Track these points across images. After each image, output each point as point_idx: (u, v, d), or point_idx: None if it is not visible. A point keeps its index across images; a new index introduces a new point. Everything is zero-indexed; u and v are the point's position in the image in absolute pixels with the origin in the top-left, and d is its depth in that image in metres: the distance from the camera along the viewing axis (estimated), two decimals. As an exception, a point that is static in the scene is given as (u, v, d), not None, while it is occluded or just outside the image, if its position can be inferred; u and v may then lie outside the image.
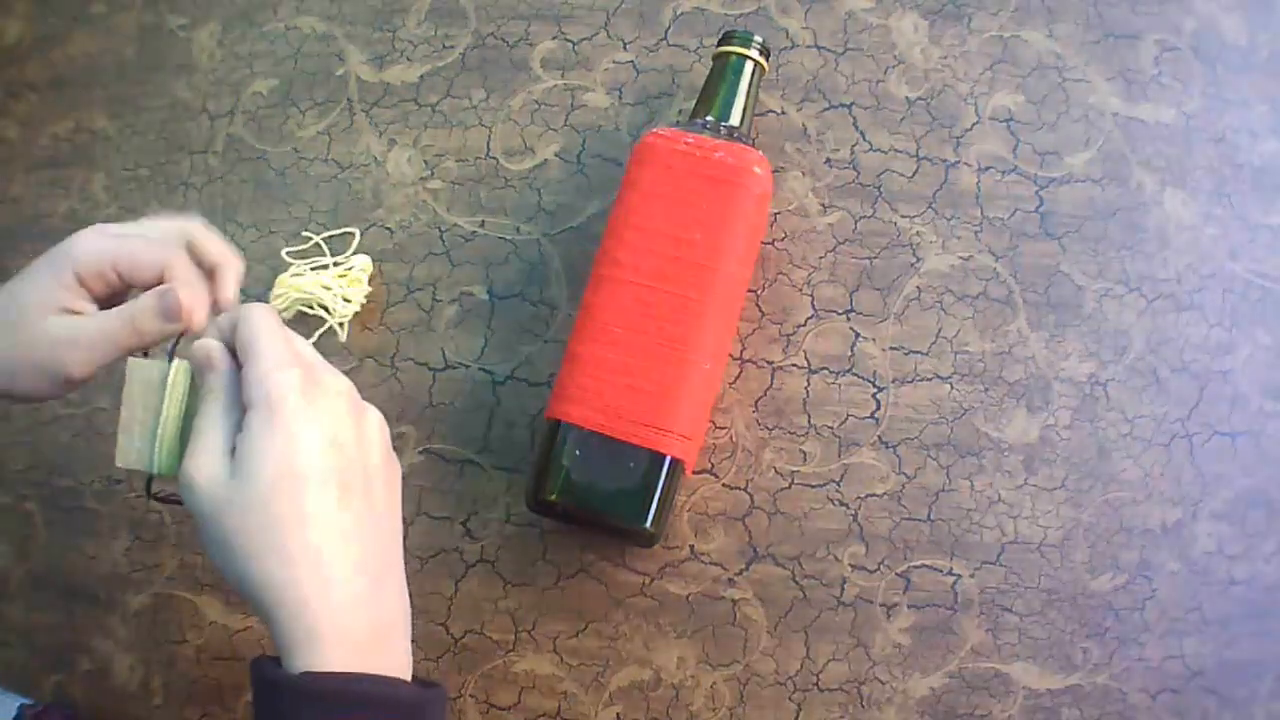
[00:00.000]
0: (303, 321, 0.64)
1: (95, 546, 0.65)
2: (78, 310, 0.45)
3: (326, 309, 0.63)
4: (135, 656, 0.64)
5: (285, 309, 0.64)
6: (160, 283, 0.45)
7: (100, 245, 0.44)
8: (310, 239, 0.65)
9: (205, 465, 0.39)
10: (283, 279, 0.64)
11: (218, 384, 0.41)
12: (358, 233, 0.63)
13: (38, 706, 0.63)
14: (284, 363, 0.40)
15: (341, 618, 0.39)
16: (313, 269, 0.64)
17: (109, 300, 0.46)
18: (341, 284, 0.63)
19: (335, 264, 0.64)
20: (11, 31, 0.74)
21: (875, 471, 0.59)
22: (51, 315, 0.44)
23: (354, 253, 0.65)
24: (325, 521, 0.39)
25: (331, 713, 0.37)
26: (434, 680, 0.44)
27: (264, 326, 0.41)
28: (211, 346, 0.42)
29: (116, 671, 0.64)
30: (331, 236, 0.65)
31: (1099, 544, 0.58)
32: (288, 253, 0.65)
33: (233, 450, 0.40)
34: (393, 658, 0.41)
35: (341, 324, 0.63)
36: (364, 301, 0.64)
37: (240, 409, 0.40)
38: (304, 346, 0.43)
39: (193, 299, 0.44)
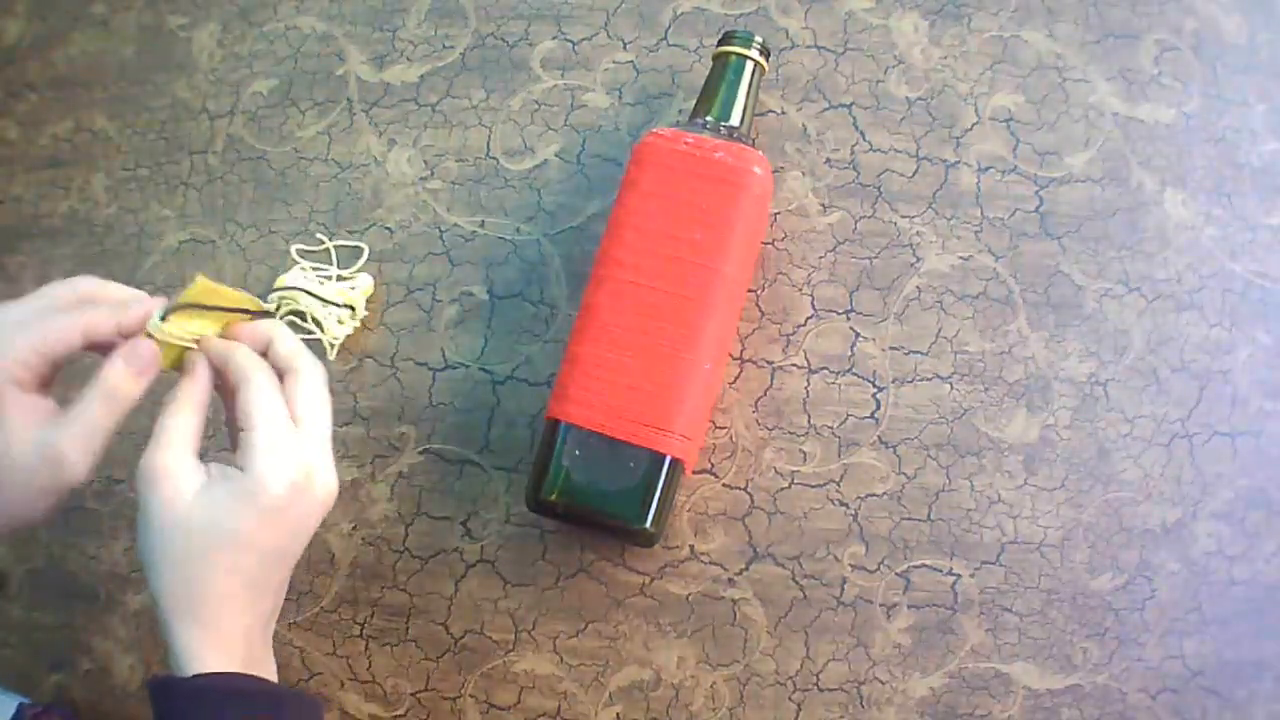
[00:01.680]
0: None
1: (95, 546, 0.65)
2: (34, 405, 0.42)
3: (319, 325, 0.63)
4: (135, 656, 0.64)
5: (278, 311, 0.63)
6: (83, 346, 0.44)
7: (17, 342, 0.42)
8: (322, 243, 0.65)
9: (176, 466, 0.42)
10: (283, 280, 0.64)
11: (193, 391, 0.44)
12: (367, 248, 0.62)
13: (37, 706, 0.63)
14: (286, 459, 0.43)
15: (239, 637, 0.43)
16: (317, 274, 0.64)
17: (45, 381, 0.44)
18: (339, 303, 0.63)
19: (340, 277, 0.64)
20: (11, 31, 0.74)
21: (875, 471, 0.59)
22: (21, 440, 0.41)
23: (360, 269, 0.64)
24: (256, 578, 0.43)
25: (225, 707, 0.41)
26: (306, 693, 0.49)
27: (267, 397, 0.44)
28: (193, 358, 0.44)
29: (116, 671, 0.64)
30: (342, 246, 0.65)
31: (1099, 544, 0.58)
32: (298, 250, 0.65)
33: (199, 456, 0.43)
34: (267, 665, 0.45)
35: (331, 345, 0.63)
36: (357, 325, 0.63)
37: (202, 414, 0.44)
38: (325, 417, 0.46)
39: (147, 349, 0.44)
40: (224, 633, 0.42)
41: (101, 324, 0.44)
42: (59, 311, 0.44)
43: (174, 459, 0.42)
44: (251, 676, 0.43)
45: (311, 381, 0.45)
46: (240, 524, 0.42)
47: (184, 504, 0.41)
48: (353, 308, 0.63)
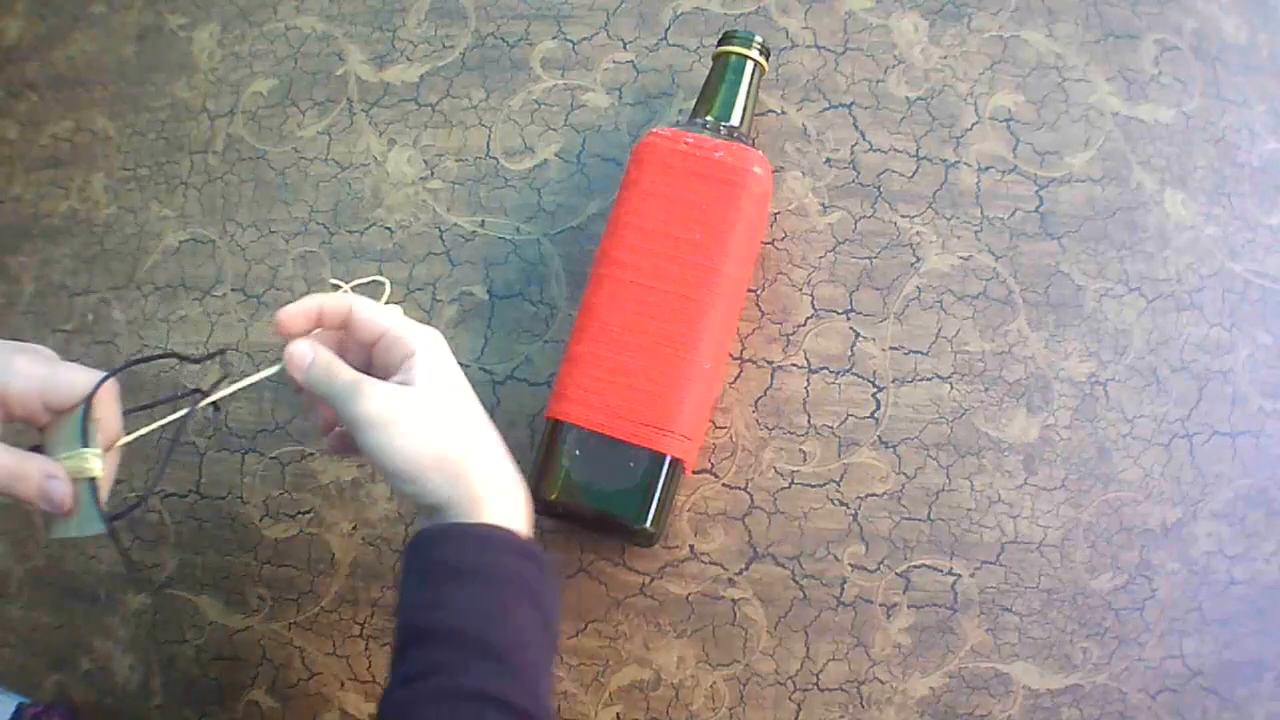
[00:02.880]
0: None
1: (95, 546, 0.65)
2: None
3: None
4: (135, 656, 0.64)
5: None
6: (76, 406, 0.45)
7: (36, 370, 0.44)
8: (338, 285, 0.64)
9: (381, 387, 0.47)
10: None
11: (343, 362, 0.49)
12: (388, 284, 0.61)
13: (37, 706, 0.63)
14: (431, 333, 0.50)
15: (511, 491, 0.49)
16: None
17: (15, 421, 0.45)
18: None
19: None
20: (11, 31, 0.75)
21: (875, 471, 0.59)
22: None
23: (387, 299, 0.63)
24: (491, 427, 0.50)
25: (491, 549, 0.46)
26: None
27: (396, 322, 0.50)
28: (320, 350, 0.49)
29: (116, 671, 0.64)
30: (359, 284, 0.64)
31: (1099, 544, 0.58)
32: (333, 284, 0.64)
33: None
34: (527, 525, 0.49)
35: None
36: None
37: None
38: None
39: (67, 495, 0.44)
40: (510, 473, 0.49)
41: (106, 402, 0.46)
42: (83, 371, 0.46)
43: (376, 386, 0.47)
44: (523, 537, 0.48)
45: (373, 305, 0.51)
46: (449, 375, 0.49)
47: (402, 395, 0.47)
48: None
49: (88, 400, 0.44)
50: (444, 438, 0.47)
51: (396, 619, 0.47)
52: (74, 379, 0.45)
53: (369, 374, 0.48)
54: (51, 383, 0.44)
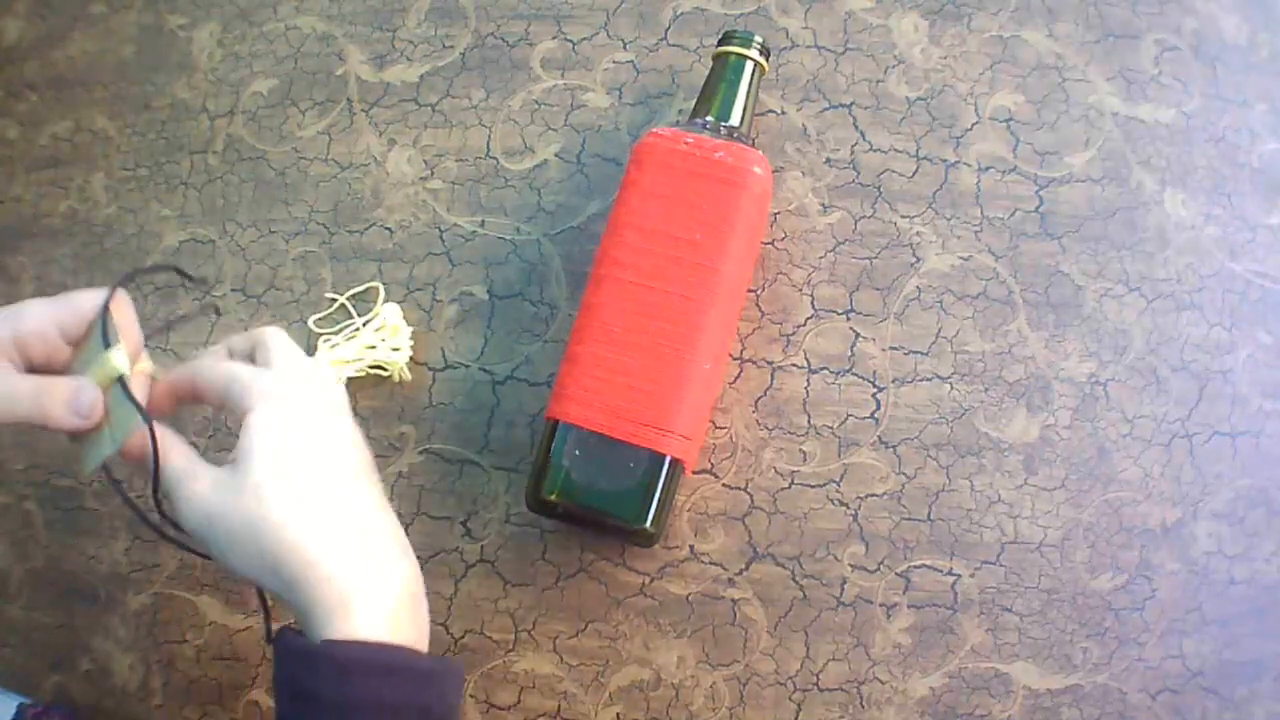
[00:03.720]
0: (365, 386, 0.64)
1: (95, 546, 0.65)
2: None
3: (382, 366, 0.62)
4: (135, 656, 0.64)
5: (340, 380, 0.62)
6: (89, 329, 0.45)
7: (44, 305, 0.44)
8: (334, 300, 0.64)
9: (201, 474, 0.42)
10: (323, 357, 0.62)
11: (177, 440, 0.44)
12: (381, 287, 0.61)
13: (37, 706, 0.63)
14: (296, 361, 0.44)
15: (373, 584, 0.41)
16: (346, 337, 0.62)
17: (44, 364, 0.45)
18: (383, 337, 0.62)
19: (365, 324, 0.63)
20: (11, 31, 0.74)
21: (875, 471, 0.59)
22: None
23: (383, 303, 0.63)
24: (355, 492, 0.43)
25: (352, 680, 0.39)
26: (450, 659, 0.45)
27: (280, 340, 0.45)
28: (161, 432, 0.44)
29: (116, 671, 0.64)
30: (355, 294, 0.64)
31: (1099, 544, 0.58)
32: (315, 320, 0.64)
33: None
34: (415, 629, 0.42)
35: (401, 375, 0.62)
36: (411, 343, 0.62)
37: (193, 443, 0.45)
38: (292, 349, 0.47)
39: (97, 401, 0.43)
40: (365, 570, 0.41)
41: (121, 307, 0.45)
42: (91, 290, 0.45)
43: (195, 472, 0.42)
44: (385, 647, 0.40)
45: (270, 334, 0.47)
46: (272, 444, 0.42)
47: (216, 483, 0.42)
48: (397, 324, 0.62)
49: (105, 305, 0.44)
50: (281, 539, 0.40)
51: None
52: (82, 298, 0.44)
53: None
54: (64, 307, 0.43)
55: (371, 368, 0.62)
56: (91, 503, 0.66)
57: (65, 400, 0.43)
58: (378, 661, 0.40)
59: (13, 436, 0.68)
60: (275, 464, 0.41)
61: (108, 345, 0.43)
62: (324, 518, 0.41)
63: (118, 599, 0.64)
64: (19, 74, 0.74)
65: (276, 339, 0.46)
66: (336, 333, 0.63)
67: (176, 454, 0.43)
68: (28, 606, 0.66)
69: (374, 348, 0.62)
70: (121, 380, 0.44)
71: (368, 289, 0.62)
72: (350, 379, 0.62)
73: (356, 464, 0.44)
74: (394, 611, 0.41)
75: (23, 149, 0.72)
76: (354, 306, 0.64)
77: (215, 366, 0.44)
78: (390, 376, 0.62)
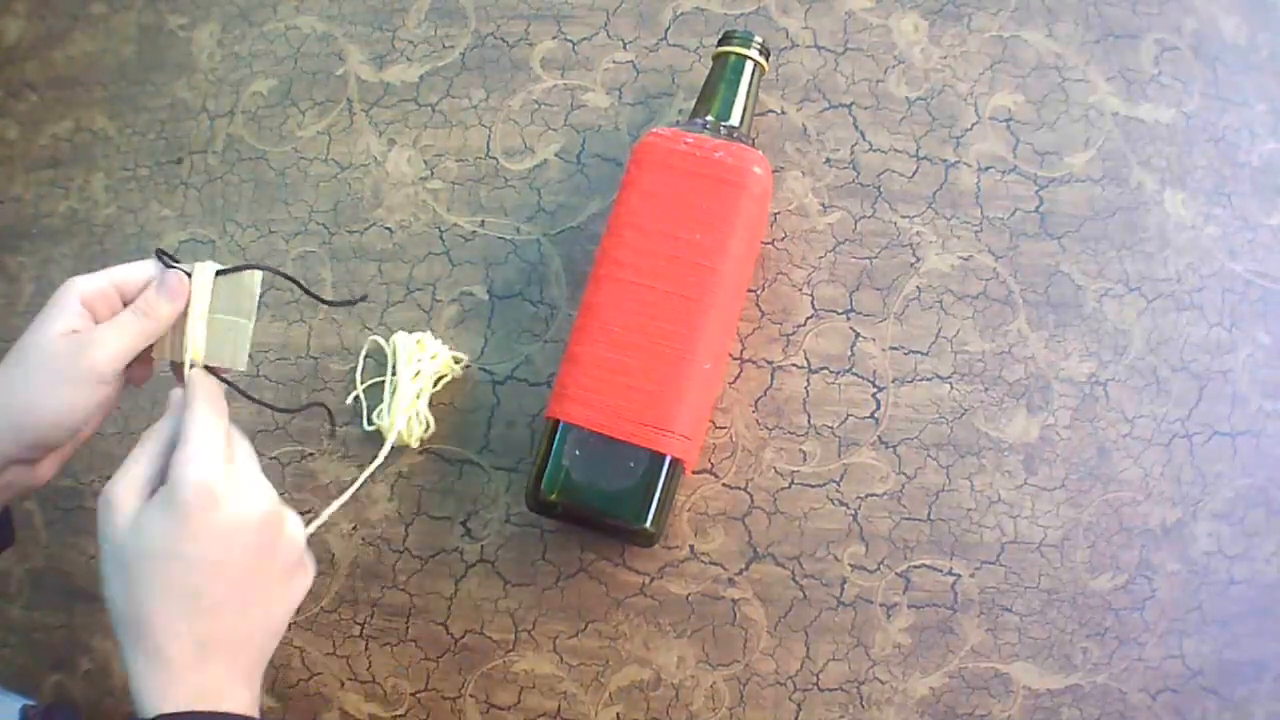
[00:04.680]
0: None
1: (95, 546, 0.65)
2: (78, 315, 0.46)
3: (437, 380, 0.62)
4: (135, 656, 0.64)
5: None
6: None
7: (97, 274, 0.47)
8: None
9: (124, 494, 0.42)
10: (405, 398, 0.61)
11: (164, 426, 0.44)
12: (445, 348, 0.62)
13: (40, 706, 0.63)
14: (206, 462, 0.42)
15: (187, 664, 0.41)
16: (415, 371, 0.61)
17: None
18: (435, 364, 0.62)
19: (434, 356, 0.62)
20: (11, 31, 0.74)
21: (875, 471, 0.59)
22: (59, 331, 0.45)
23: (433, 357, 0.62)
24: (193, 593, 0.42)
25: None
26: None
27: (203, 418, 0.44)
28: (174, 395, 0.46)
29: (116, 671, 0.64)
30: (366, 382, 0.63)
31: (1099, 544, 0.58)
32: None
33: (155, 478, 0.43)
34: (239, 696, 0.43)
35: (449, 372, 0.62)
36: (454, 357, 0.62)
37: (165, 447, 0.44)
38: (240, 444, 0.45)
39: (180, 273, 0.46)
40: (168, 656, 0.41)
41: (168, 275, 0.47)
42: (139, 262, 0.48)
43: (122, 487, 0.42)
44: (208, 714, 0.41)
45: (198, 400, 0.46)
46: (163, 535, 0.41)
47: (122, 527, 0.42)
48: (436, 352, 0.62)
49: (161, 255, 0.47)
50: (144, 594, 0.41)
51: None
52: (132, 267, 0.47)
53: None
54: (115, 275, 0.46)
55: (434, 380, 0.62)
56: (91, 503, 0.66)
57: (157, 293, 0.46)
58: None
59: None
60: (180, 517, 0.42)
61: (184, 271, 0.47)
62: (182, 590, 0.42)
63: (118, 599, 0.64)
64: (19, 74, 0.74)
65: (199, 416, 0.45)
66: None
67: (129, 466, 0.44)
68: (28, 606, 0.66)
69: (426, 371, 0.62)
70: (220, 273, 0.47)
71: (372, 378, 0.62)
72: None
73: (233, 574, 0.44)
74: (241, 677, 0.43)
75: (23, 149, 0.72)
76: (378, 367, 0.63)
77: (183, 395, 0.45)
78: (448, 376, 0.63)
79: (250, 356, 0.47)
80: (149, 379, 0.49)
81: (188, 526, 0.41)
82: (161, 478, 0.43)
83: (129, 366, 0.46)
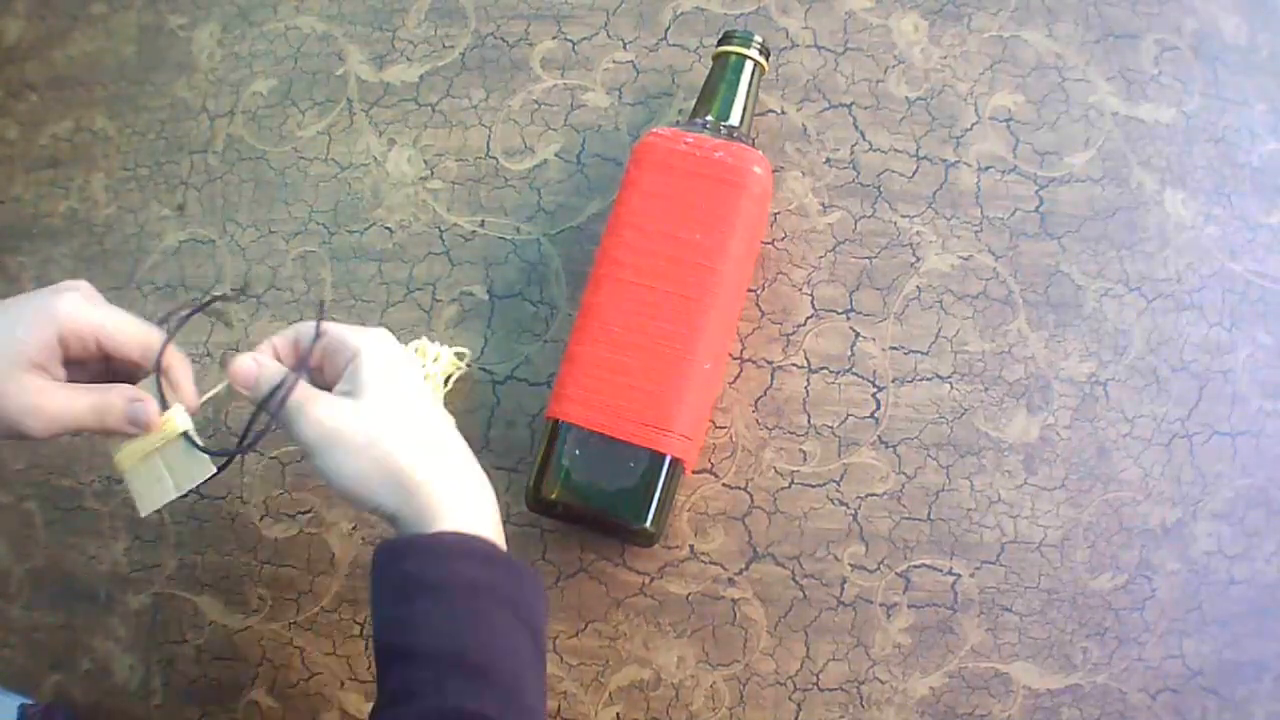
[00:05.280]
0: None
1: (95, 546, 0.65)
2: (48, 371, 0.45)
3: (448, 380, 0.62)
4: (135, 656, 0.64)
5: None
6: (136, 363, 0.47)
7: (90, 315, 0.45)
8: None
9: (327, 401, 0.46)
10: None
11: (293, 376, 0.47)
12: (468, 353, 0.62)
13: (38, 706, 0.63)
14: (375, 332, 0.48)
15: (471, 500, 0.47)
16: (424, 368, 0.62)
17: (78, 361, 0.46)
18: (439, 366, 0.62)
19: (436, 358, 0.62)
20: (11, 31, 0.74)
21: (875, 471, 0.59)
22: (22, 373, 0.44)
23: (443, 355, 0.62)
24: (448, 425, 0.48)
25: (453, 560, 0.44)
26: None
27: (336, 326, 0.49)
28: (267, 362, 0.48)
29: (116, 671, 0.64)
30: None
31: (1099, 544, 0.58)
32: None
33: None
34: (496, 532, 0.47)
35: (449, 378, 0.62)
36: (456, 353, 0.62)
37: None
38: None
39: (154, 412, 0.46)
40: (474, 479, 0.47)
41: (172, 361, 0.48)
42: (138, 322, 0.47)
43: (322, 399, 0.46)
44: (485, 543, 0.45)
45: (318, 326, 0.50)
46: (384, 403, 0.46)
47: (341, 412, 0.45)
48: (440, 354, 0.62)
49: (157, 368, 0.46)
50: (392, 451, 0.45)
51: (374, 635, 0.45)
52: (126, 329, 0.46)
53: (322, 386, 0.47)
54: (104, 330, 0.46)
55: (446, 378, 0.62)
56: (91, 503, 0.66)
57: (122, 412, 0.46)
58: (475, 547, 0.45)
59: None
60: (390, 393, 0.46)
61: (165, 406, 0.47)
62: (431, 444, 0.47)
63: (118, 599, 0.64)
64: (19, 74, 0.74)
65: (333, 326, 0.49)
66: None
67: (297, 385, 0.46)
68: (28, 606, 0.66)
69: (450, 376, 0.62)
70: (186, 435, 0.47)
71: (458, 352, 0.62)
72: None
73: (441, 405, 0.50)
74: (491, 524, 0.47)
75: (23, 149, 0.72)
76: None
77: (311, 324, 0.49)
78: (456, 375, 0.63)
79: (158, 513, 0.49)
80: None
81: (397, 391, 0.47)
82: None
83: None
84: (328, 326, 0.48)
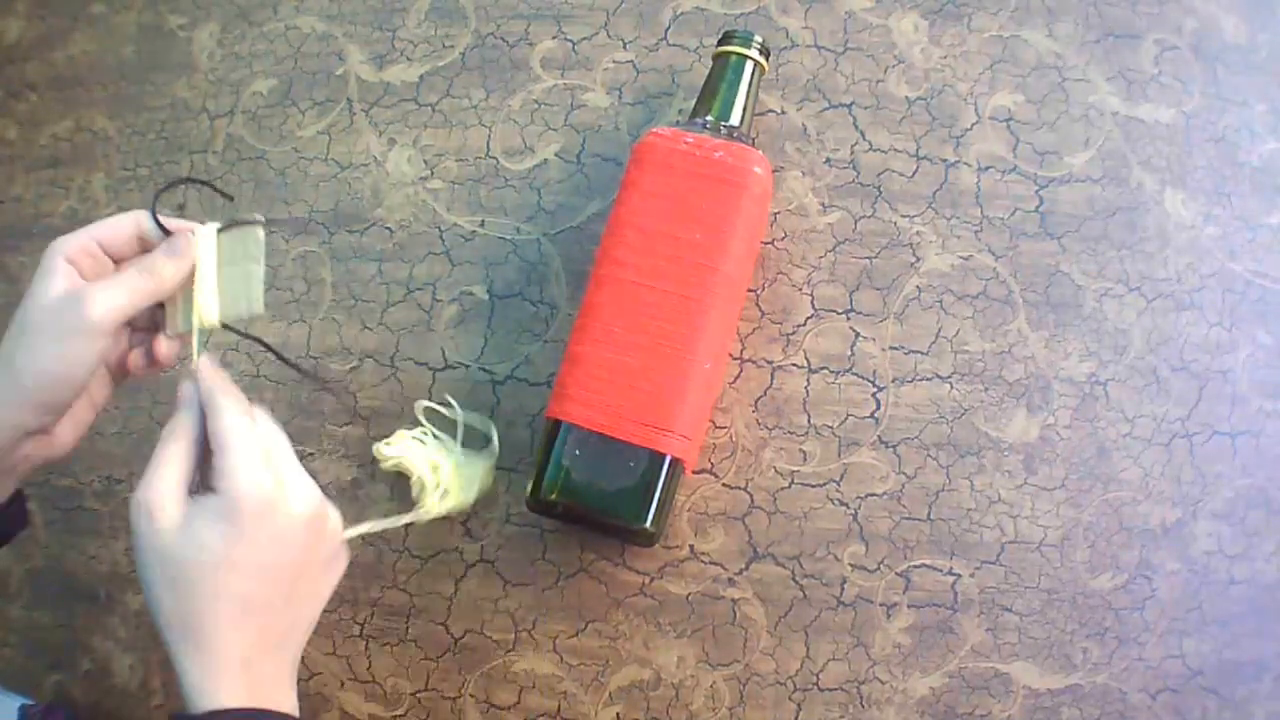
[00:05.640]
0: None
1: (95, 546, 0.65)
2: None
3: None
4: (135, 656, 0.64)
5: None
6: (138, 249, 0.48)
7: (77, 233, 0.46)
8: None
9: (164, 499, 0.42)
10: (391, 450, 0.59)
11: (187, 423, 0.44)
12: (496, 434, 0.60)
13: (38, 706, 0.63)
14: (254, 471, 0.43)
15: (237, 664, 0.42)
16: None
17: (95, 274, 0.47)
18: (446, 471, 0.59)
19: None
20: (11, 31, 0.74)
21: (875, 471, 0.59)
22: (58, 289, 0.45)
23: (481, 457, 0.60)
24: (248, 598, 0.43)
25: None
26: None
27: (232, 419, 0.44)
28: (186, 389, 0.45)
29: (116, 671, 0.64)
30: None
31: (1099, 544, 0.58)
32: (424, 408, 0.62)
33: (189, 484, 0.44)
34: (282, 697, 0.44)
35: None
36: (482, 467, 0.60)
37: (201, 447, 0.44)
38: (277, 440, 0.45)
39: (184, 228, 0.47)
40: (223, 659, 0.42)
41: (151, 228, 0.48)
42: (119, 215, 0.48)
43: (161, 492, 0.43)
44: (260, 712, 0.42)
45: (265, 416, 0.46)
46: (218, 545, 0.42)
47: (169, 534, 0.42)
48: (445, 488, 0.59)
49: (154, 218, 0.47)
50: (192, 596, 0.42)
51: None
52: (113, 222, 0.47)
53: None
54: (97, 235, 0.46)
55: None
56: (91, 503, 0.66)
57: (164, 254, 0.46)
58: None
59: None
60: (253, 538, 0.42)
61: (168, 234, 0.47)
62: (256, 610, 0.43)
63: (118, 599, 0.64)
64: (19, 74, 0.74)
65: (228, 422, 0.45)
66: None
67: (231, 403, 0.44)
68: (28, 606, 0.66)
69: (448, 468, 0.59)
70: (220, 229, 0.48)
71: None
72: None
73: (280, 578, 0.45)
74: (274, 691, 0.43)
75: (23, 149, 0.72)
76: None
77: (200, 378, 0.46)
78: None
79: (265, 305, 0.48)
80: (171, 364, 0.49)
81: (243, 535, 0.42)
82: (193, 477, 0.43)
83: (150, 350, 0.47)
84: (205, 377, 0.45)
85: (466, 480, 0.58)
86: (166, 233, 0.47)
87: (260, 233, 0.47)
